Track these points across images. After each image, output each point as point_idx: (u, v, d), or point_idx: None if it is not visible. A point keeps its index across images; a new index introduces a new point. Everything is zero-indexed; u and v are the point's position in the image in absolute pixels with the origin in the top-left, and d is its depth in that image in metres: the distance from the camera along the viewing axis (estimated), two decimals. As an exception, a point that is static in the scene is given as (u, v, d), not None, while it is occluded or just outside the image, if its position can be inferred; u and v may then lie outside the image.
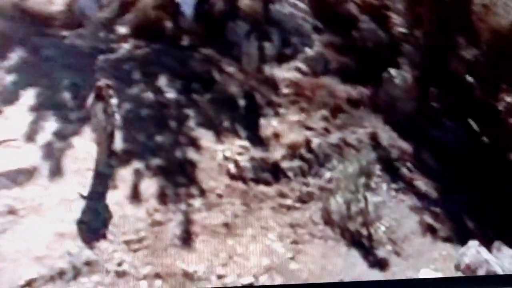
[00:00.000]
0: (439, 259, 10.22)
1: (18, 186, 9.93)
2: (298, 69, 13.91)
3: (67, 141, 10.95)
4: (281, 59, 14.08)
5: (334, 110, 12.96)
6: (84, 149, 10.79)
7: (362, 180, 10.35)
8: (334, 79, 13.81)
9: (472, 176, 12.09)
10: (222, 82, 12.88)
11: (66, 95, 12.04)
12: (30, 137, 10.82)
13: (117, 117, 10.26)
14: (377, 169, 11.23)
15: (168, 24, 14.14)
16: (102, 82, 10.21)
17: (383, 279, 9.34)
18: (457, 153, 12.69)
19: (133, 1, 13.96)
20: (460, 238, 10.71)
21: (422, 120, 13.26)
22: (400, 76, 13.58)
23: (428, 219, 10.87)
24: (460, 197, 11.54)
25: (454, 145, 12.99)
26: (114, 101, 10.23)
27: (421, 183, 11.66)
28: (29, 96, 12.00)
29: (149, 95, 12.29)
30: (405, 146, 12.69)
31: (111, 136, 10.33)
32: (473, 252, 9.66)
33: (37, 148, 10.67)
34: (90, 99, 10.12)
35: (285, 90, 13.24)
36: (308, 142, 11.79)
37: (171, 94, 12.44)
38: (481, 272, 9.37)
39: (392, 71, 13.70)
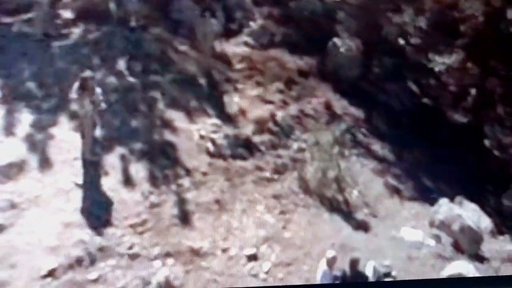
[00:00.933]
0: (410, 217, 12.18)
1: (11, 181, 10.32)
2: (246, 43, 15.03)
3: (46, 132, 11.37)
4: (228, 34, 15.08)
5: (287, 82, 14.32)
6: (65, 139, 11.32)
7: (336, 149, 11.96)
8: (281, 51, 15.12)
9: (421, 135, 14.17)
10: (179, 61, 13.66)
11: (31, 85, 12.28)
12: (8, 130, 11.06)
13: (103, 105, 10.85)
14: (348, 138, 12.85)
15: (113, 6, 14.47)
16: (87, 73, 10.72)
17: (368, 240, 11.10)
18: (403, 114, 14.72)
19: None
20: (423, 196, 12.78)
21: (368, 86, 15.07)
22: (345, 45, 15.20)
23: (392, 181, 12.78)
24: (414, 157, 13.57)
25: (399, 108, 15.01)
26: (98, 90, 10.82)
27: (378, 147, 13.51)
28: None
29: (113, 80, 12.79)
30: (357, 112, 14.46)
31: (95, 125, 10.93)
32: (445, 209, 11.61)
33: (19, 141, 10.98)
34: (74, 90, 10.61)
35: (238, 66, 14.36)
36: (273, 116, 13.12)
37: (133, 78, 13.03)
38: (455, 227, 11.38)
39: (337, 41, 15.28)
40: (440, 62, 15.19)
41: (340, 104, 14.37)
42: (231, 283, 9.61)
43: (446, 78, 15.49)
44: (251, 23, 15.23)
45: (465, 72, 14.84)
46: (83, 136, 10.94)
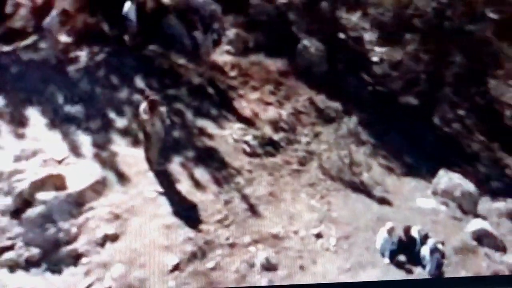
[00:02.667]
0: (412, 190, 15.97)
1: (102, 196, 12.24)
2: (228, 52, 17.72)
3: (109, 150, 13.26)
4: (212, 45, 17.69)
5: (274, 83, 17.39)
6: (127, 154, 13.32)
7: (351, 139, 15.42)
8: (260, 55, 18.06)
9: (383, 120, 18.05)
10: (186, 74, 16.05)
11: (71, 108, 13.95)
12: (76, 152, 12.83)
13: (168, 122, 13.12)
14: (360, 130, 16.31)
15: (107, 27, 16.30)
16: (153, 96, 12.92)
17: (394, 212, 14.69)
18: (364, 100, 18.53)
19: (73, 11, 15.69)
20: (412, 171, 16.72)
21: (336, 80, 18.63)
22: (314, 45, 18.67)
23: (383, 161, 16.57)
24: (391, 138, 17.39)
25: (360, 94, 18.80)
26: (163, 109, 13.07)
27: (363, 133, 17.11)
28: (33, 114, 13.54)
29: (137, 96, 14.87)
30: (335, 104, 18.00)
31: (160, 139, 13.15)
32: (445, 180, 15.64)
33: (90, 161, 12.80)
34: (143, 111, 12.74)
35: (232, 73, 17.08)
36: (280, 115, 16.19)
37: (155, 93, 15.19)
38: (457, 193, 15.33)
39: (306, 42, 18.67)
40: (385, 53, 19.27)
41: (319, 99, 17.74)
42: (313, 257, 12.56)
43: (396, 68, 19.57)
44: (227, 33, 17.87)
45: (418, 61, 19.05)
46: (147, 150, 13.01)
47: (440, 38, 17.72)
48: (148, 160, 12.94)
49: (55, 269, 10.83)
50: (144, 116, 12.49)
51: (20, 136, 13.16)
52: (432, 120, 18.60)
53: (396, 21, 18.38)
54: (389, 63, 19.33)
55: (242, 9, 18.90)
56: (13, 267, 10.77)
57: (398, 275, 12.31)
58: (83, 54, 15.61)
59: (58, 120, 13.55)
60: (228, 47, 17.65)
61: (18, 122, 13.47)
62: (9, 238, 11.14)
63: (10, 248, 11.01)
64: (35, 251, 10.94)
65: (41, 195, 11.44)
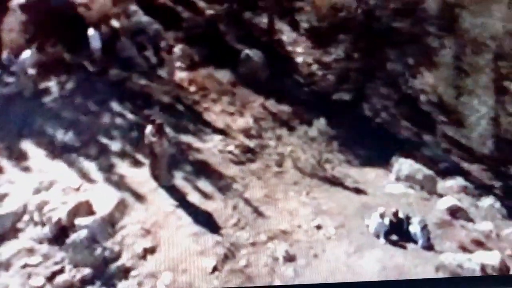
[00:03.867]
0: (377, 178, 20.57)
1: (127, 215, 15.50)
2: (180, 68, 21.31)
3: (115, 173, 16.43)
4: (161, 63, 21.20)
5: (229, 94, 21.19)
6: (132, 175, 16.51)
7: (322, 139, 19.64)
8: (209, 68, 21.74)
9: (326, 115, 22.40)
10: (154, 94, 19.47)
11: (64, 137, 16.90)
12: (87, 178, 15.86)
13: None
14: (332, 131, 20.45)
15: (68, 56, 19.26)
16: (159, 120, 16.33)
17: (373, 198, 19.10)
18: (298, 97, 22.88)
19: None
20: (367, 162, 21.30)
21: (277, 84, 22.83)
22: (255, 54, 22.77)
23: (341, 156, 20.98)
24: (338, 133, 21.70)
25: (298, 95, 23.17)
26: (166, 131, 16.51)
27: (314, 129, 21.20)
28: (29, 147, 16.42)
29: (120, 120, 18.10)
30: (285, 108, 22.21)
31: (167, 157, 16.58)
32: (407, 166, 20.06)
33: (103, 184, 15.83)
34: (149, 134, 16.10)
35: (191, 89, 20.66)
36: (248, 123, 20.07)
37: (133, 115, 18.50)
38: (419, 176, 19.73)
39: (248, 51, 22.73)
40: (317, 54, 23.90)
41: (270, 104, 21.73)
42: (321, 246, 16.44)
43: (328, 67, 24.24)
44: (175, 49, 21.45)
45: (348, 60, 23.82)
46: (153, 169, 16.39)
47: (370, 37, 22.56)
48: (155, 177, 16.02)
49: (109, 283, 13.54)
50: (152, 139, 15.70)
51: (26, 169, 15.63)
52: (364, 113, 23.43)
53: (328, 25, 22.95)
54: (322, 64, 23.88)
55: (176, 24, 22.39)
56: (69, 287, 13.58)
57: (395, 251, 16.48)
58: (52, 85, 18.24)
59: (56, 150, 16.22)
60: (177, 63, 21.05)
61: (17, 156, 15.99)
62: (56, 263, 13.89)
63: (60, 271, 13.74)
64: (86, 271, 13.65)
65: (80, 221, 14.16)
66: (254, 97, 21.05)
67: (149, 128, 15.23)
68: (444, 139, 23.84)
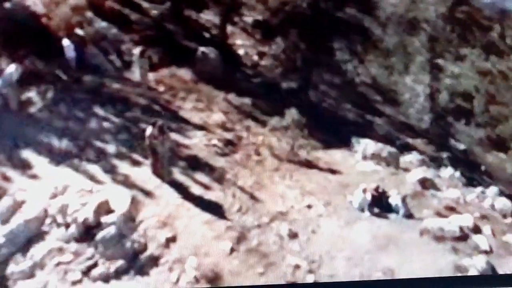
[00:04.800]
0: (345, 159, 23.91)
1: (141, 211, 17.93)
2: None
3: (120, 174, 18.85)
4: (127, 66, 23.66)
5: (195, 91, 23.95)
6: (137, 175, 19.03)
7: (296, 126, 22.71)
8: (170, 68, 24.46)
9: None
10: (130, 97, 21.94)
11: (63, 145, 19.06)
12: (98, 181, 18.21)
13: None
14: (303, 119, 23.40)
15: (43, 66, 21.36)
16: (160, 122, 18.81)
17: (348, 177, 22.42)
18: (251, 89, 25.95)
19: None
20: (329, 144, 24.58)
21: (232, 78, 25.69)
22: (211, 51, 25.62)
23: (311, 142, 24.16)
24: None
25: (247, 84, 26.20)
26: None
27: (287, 118, 24.18)
28: (29, 156, 18.57)
29: (108, 124, 20.51)
30: (242, 100, 25.15)
31: (169, 155, 19.14)
32: (372, 145, 23.56)
33: (115, 185, 18.17)
34: (151, 135, 18.57)
35: (160, 89, 23.35)
36: (221, 118, 22.94)
37: (115, 118, 20.91)
38: (384, 154, 23.59)
39: (205, 49, 25.53)
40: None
41: (232, 97, 24.61)
42: (315, 223, 19.29)
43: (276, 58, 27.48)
44: (134, 51, 23.96)
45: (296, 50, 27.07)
46: (156, 167, 18.94)
47: (316, 28, 25.94)
48: (158, 174, 18.51)
49: (143, 272, 15.95)
50: (153, 138, 18.24)
51: (34, 177, 17.59)
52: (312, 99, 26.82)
53: (275, 18, 26.17)
54: (270, 56, 27.11)
55: (128, 27, 24.85)
56: (106, 279, 15.85)
57: (380, 222, 19.55)
58: (33, 95, 20.31)
59: (57, 157, 18.32)
60: (141, 65, 23.50)
61: (21, 165, 18.03)
62: (88, 259, 16.15)
63: (94, 265, 15.96)
64: (119, 262, 15.86)
65: (106, 219, 16.45)
66: (216, 92, 23.75)
67: (149, 129, 17.58)
68: (387, 118, 27.46)
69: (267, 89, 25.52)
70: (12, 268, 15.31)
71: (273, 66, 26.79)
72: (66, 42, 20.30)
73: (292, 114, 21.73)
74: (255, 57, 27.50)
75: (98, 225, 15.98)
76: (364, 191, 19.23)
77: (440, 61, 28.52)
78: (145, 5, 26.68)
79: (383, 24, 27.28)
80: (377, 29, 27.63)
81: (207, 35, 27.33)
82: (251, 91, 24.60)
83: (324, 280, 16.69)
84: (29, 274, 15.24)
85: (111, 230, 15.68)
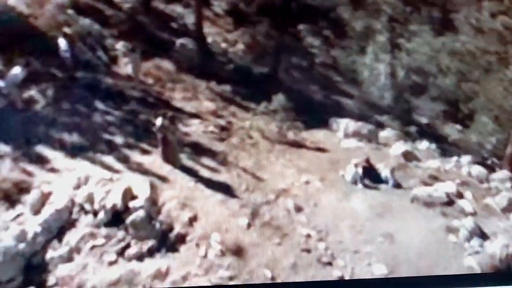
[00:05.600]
0: (328, 138, 26.57)
1: (160, 196, 20.05)
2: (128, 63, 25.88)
3: (133, 162, 20.97)
4: (114, 61, 25.71)
5: (180, 81, 26.17)
6: (148, 162, 21.16)
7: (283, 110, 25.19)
8: (153, 60, 26.57)
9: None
10: (124, 90, 24.05)
11: (71, 138, 21.00)
12: (112, 169, 20.29)
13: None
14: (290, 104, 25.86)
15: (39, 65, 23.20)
16: (170, 113, 21.05)
17: (335, 154, 25.16)
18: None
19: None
20: (308, 125, 27.11)
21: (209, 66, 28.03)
22: (190, 42, 27.92)
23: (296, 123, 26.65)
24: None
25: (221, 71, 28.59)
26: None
27: (275, 103, 26.62)
28: (44, 151, 20.52)
29: (113, 118, 22.62)
30: (222, 87, 27.49)
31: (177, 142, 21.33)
32: (352, 124, 26.12)
33: (129, 173, 20.36)
34: (161, 125, 20.79)
35: (149, 81, 25.51)
36: (211, 106, 25.25)
37: (116, 112, 23.00)
38: (364, 131, 26.34)
39: (183, 41, 27.80)
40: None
41: (213, 85, 26.93)
42: (316, 197, 21.87)
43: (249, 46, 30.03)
44: (117, 46, 26.05)
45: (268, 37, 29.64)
46: (166, 154, 21.14)
47: (289, 16, 28.56)
48: (168, 161, 20.63)
49: (173, 248, 17.99)
50: (165, 128, 20.41)
51: (55, 170, 19.50)
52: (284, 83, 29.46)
53: (247, 6, 28.69)
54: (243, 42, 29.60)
55: (106, 22, 26.87)
56: (140, 257, 17.95)
57: (373, 193, 22.06)
58: (34, 94, 22.17)
59: (71, 151, 20.26)
60: (125, 59, 25.66)
61: (39, 160, 19.92)
62: (120, 241, 18.23)
63: (127, 246, 18.05)
64: (151, 242, 17.98)
65: (134, 203, 18.53)
66: (198, 81, 26.03)
67: (160, 120, 19.73)
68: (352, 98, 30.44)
69: (241, 75, 27.79)
70: (50, 254, 17.03)
71: (244, 53, 28.95)
72: (61, 41, 22.04)
73: (279, 99, 24.04)
74: (224, 45, 29.50)
75: (126, 210, 17.68)
76: (356, 165, 21.61)
77: (400, 40, 31.32)
78: (117, -1, 28.40)
79: (350, 9, 29.77)
80: (345, 13, 30.19)
81: (177, 26, 29.23)
82: (228, 78, 26.82)
83: (333, 246, 18.99)
84: (68, 258, 17.00)
85: (140, 214, 17.61)
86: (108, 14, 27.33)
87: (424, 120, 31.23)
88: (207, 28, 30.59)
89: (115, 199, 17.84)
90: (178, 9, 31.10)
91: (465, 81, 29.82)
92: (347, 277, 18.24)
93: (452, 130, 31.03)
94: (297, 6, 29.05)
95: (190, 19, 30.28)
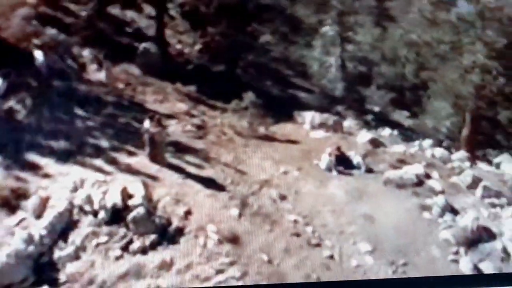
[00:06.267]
0: (295, 130, 28.66)
1: (153, 193, 21.90)
2: (97, 70, 27.63)
3: (122, 163, 22.68)
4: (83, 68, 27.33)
5: (149, 85, 28.05)
6: (136, 162, 22.83)
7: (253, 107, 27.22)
8: (120, 65, 28.29)
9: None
10: (100, 95, 25.73)
11: (57, 144, 22.62)
12: (104, 171, 22.03)
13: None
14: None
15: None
16: (157, 116, 22.79)
17: (309, 143, 27.34)
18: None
19: None
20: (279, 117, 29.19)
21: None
22: (152, 47, 29.76)
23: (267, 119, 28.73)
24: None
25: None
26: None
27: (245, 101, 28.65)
28: (35, 158, 22.04)
29: (93, 123, 24.27)
30: (191, 88, 29.49)
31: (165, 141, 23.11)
32: (317, 116, 28.52)
33: (120, 174, 22.03)
34: (148, 125, 22.63)
35: (120, 85, 27.25)
36: (184, 106, 27.11)
37: (96, 116, 24.66)
38: (330, 122, 28.51)
39: (146, 45, 29.61)
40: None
41: (179, 87, 28.91)
42: (296, 185, 23.87)
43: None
44: (84, 53, 27.60)
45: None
46: (153, 154, 22.88)
47: (246, 16, 30.70)
48: (155, 160, 22.39)
49: (174, 240, 19.50)
50: (153, 130, 22.10)
51: (48, 176, 21.01)
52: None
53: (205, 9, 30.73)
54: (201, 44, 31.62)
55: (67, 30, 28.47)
56: (144, 251, 19.55)
57: (348, 178, 24.27)
58: (13, 104, 23.58)
59: (60, 156, 21.75)
60: (93, 66, 27.30)
61: (31, 167, 21.39)
62: (122, 237, 19.84)
63: (130, 242, 19.12)
64: (152, 237, 19.57)
65: (133, 201, 20.13)
66: (165, 84, 27.91)
67: (147, 122, 21.47)
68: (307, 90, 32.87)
69: (201, 75, 29.79)
70: (57, 254, 18.43)
71: (200, 53, 31.01)
72: (37, 52, 23.54)
73: (249, 96, 26.11)
74: (179, 46, 31.46)
75: (126, 208, 19.35)
76: (330, 154, 23.83)
77: (349, 34, 33.95)
78: (73, 7, 29.93)
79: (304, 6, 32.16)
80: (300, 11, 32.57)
81: (132, 30, 31.01)
82: (191, 78, 28.75)
83: (319, 229, 21.06)
84: (75, 257, 18.42)
85: (140, 210, 19.25)
86: (68, 22, 28.43)
87: (376, 109, 33.54)
88: (177, 33, 32.19)
89: (114, 198, 19.27)
90: (130, 14, 32.42)
91: (424, 69, 32.35)
92: (336, 257, 20.47)
93: (401, 117, 33.59)
94: (253, 6, 31.00)
95: (143, 23, 31.71)
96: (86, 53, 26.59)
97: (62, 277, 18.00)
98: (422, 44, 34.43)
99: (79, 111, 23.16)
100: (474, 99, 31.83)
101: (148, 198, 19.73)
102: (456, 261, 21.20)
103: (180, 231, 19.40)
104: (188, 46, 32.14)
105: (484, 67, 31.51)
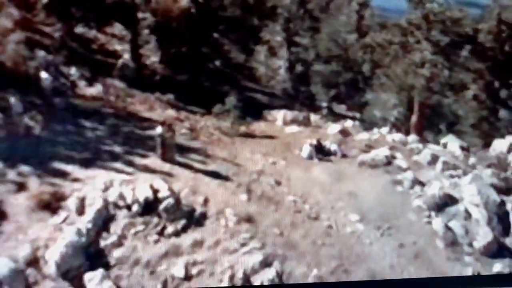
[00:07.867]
0: (269, 127, 34.41)
1: (173, 187, 27.44)
2: (87, 86, 32.83)
3: (140, 165, 27.94)
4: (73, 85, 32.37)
5: (134, 96, 33.30)
6: (151, 164, 28.07)
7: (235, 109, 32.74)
8: (104, 80, 33.33)
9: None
10: (98, 108, 30.88)
11: (75, 154, 27.69)
12: (126, 172, 27.30)
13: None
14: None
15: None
16: (169, 122, 28.22)
17: (284, 140, 33.14)
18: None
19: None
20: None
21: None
22: (128, 61, 35.02)
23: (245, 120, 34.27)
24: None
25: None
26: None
27: (228, 104, 34.35)
28: (60, 166, 27.22)
29: (102, 132, 29.47)
30: (167, 96, 34.93)
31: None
32: (289, 113, 34.42)
33: (142, 174, 27.36)
34: (161, 131, 27.90)
35: (111, 98, 32.37)
36: (172, 113, 32.49)
37: (102, 126, 29.84)
38: (300, 118, 34.42)
39: (124, 60, 34.70)
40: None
41: (158, 96, 34.27)
42: (286, 173, 29.41)
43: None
44: (71, 72, 32.69)
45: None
46: (165, 155, 28.22)
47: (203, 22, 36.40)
48: (167, 160, 27.47)
49: (201, 223, 24.55)
50: (166, 134, 27.36)
51: (78, 180, 25.86)
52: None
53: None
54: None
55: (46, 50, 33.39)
56: (177, 234, 24.68)
57: (328, 164, 29.99)
58: (26, 121, 28.32)
59: (81, 163, 26.68)
60: (82, 82, 32.44)
61: (59, 174, 26.31)
62: (156, 225, 24.98)
63: (164, 227, 24.52)
64: (182, 222, 24.95)
65: (162, 194, 25.25)
66: (145, 94, 33.29)
67: (160, 128, 26.72)
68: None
69: (168, 84, 35.34)
70: (103, 243, 23.15)
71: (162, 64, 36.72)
72: (43, 74, 28.47)
73: (231, 100, 31.84)
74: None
75: (156, 201, 24.55)
76: (310, 145, 29.76)
77: (296, 38, 40.37)
78: (47, 29, 34.88)
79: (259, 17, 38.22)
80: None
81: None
82: (166, 88, 34.26)
83: (315, 206, 26.71)
84: (118, 244, 23.11)
85: (170, 201, 24.39)
86: (46, 43, 33.33)
87: (324, 104, 40.10)
88: (119, 46, 37.51)
89: (145, 193, 24.28)
90: (93, 33, 37.65)
91: (378, 67, 39.04)
92: (334, 227, 25.88)
93: (340, 110, 40.49)
94: (213, 17, 36.74)
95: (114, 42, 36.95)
96: (73, 71, 31.10)
97: (112, 260, 22.39)
98: (376, 45, 40.94)
99: (87, 123, 27.88)
100: (424, 90, 38.50)
101: (172, 191, 24.53)
102: (429, 223, 27.24)
103: (204, 216, 24.33)
104: (150, 58, 37.28)
105: (432, 62, 38.23)
